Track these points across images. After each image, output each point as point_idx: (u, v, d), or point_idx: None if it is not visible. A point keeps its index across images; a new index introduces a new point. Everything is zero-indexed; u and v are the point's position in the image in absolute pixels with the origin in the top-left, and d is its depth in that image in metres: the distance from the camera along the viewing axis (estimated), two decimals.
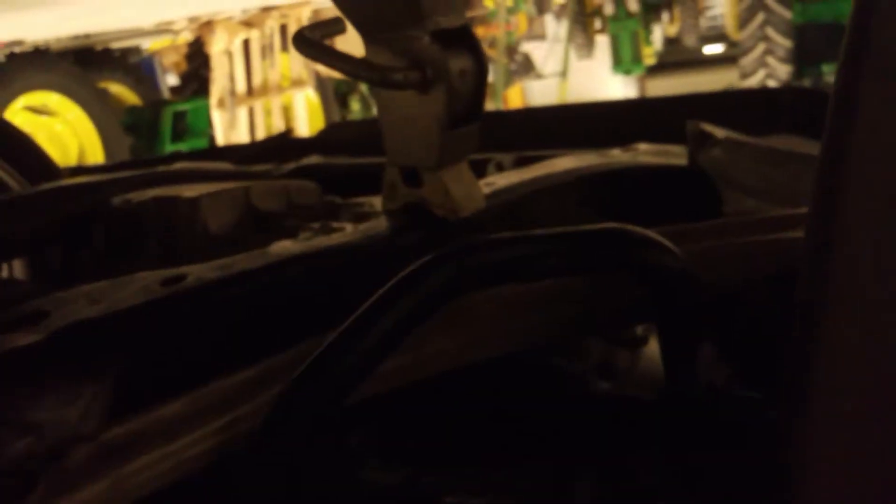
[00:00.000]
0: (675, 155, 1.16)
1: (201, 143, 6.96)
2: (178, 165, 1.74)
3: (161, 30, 7.17)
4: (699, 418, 0.65)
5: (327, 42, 0.81)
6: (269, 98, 7.03)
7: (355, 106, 8.21)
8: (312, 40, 0.79)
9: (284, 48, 7.19)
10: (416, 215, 0.83)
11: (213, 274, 0.73)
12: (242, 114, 6.79)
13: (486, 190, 0.90)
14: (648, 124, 1.44)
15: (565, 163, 1.02)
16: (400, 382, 0.65)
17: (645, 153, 1.14)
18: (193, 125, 6.99)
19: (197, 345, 0.69)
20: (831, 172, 0.45)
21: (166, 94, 8.33)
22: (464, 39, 0.76)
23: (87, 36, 6.64)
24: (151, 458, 0.56)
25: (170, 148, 6.78)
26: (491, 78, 11.13)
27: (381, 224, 0.83)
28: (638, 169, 1.05)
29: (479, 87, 0.77)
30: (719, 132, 1.15)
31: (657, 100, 1.59)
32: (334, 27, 0.83)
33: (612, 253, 0.57)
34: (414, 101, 0.77)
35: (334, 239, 0.79)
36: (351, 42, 0.85)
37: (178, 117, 6.94)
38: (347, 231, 0.83)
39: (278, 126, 7.02)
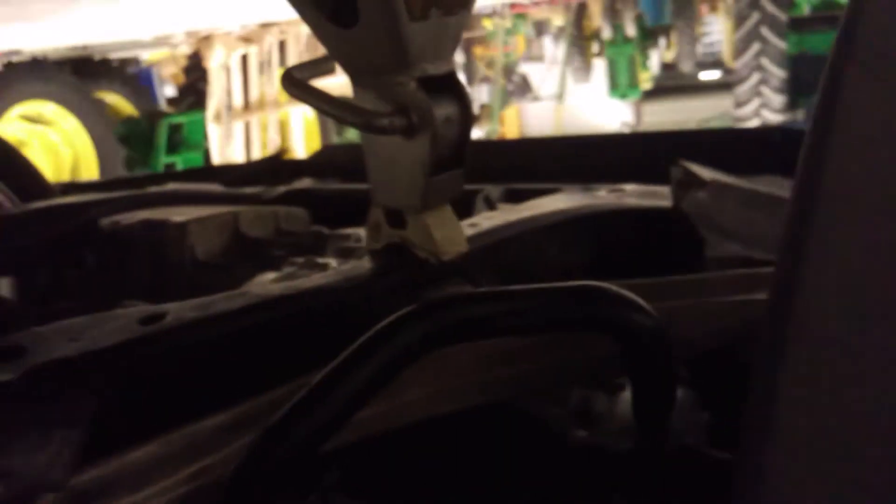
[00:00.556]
0: (661, 196, 1.16)
1: (196, 157, 6.96)
2: (169, 186, 1.75)
3: (159, 43, 7.19)
4: (669, 475, 0.65)
5: (316, 81, 0.82)
6: (265, 113, 7.05)
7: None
8: (300, 81, 0.79)
9: (282, 64, 7.22)
10: (399, 257, 0.83)
11: (192, 314, 0.73)
12: (238, 128, 6.81)
13: (471, 231, 0.90)
14: (640, 159, 1.45)
15: (550, 204, 1.03)
16: (372, 431, 0.65)
17: (631, 194, 1.14)
18: (189, 138, 7.00)
19: (172, 387, 0.69)
20: (799, 219, 0.45)
21: (163, 106, 8.34)
22: (450, 86, 0.77)
23: (84, 47, 6.66)
24: None
25: (165, 160, 6.77)
26: (488, 99, 11.18)
27: (363, 265, 0.83)
28: (622, 212, 1.05)
29: (464, 133, 0.77)
30: (706, 173, 1.16)
31: (650, 135, 1.61)
32: (323, 67, 0.83)
33: (585, 311, 0.58)
34: (399, 145, 0.77)
35: (315, 280, 0.79)
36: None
37: (174, 130, 6.95)
38: (329, 271, 0.83)
39: (274, 141, 7.04)
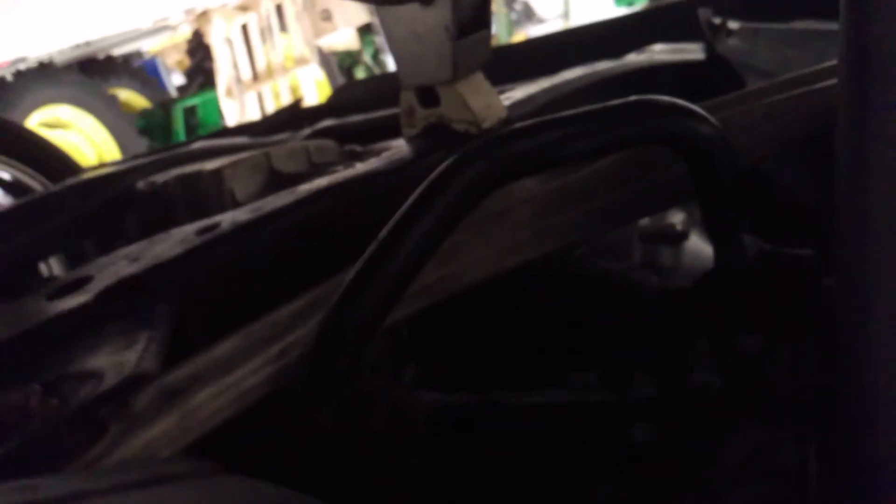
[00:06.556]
0: (691, 51, 1.13)
1: None
2: (198, 144, 1.75)
3: (159, 27, 7.16)
4: (755, 286, 0.63)
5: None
6: (275, 80, 7.00)
7: (361, 77, 8.16)
8: None
9: (283, 28, 7.14)
10: (438, 135, 0.82)
11: (247, 216, 0.73)
12: (251, 99, 6.78)
13: (505, 102, 0.88)
14: (660, 30, 1.41)
15: (582, 70, 1.00)
16: (443, 294, 0.64)
17: (660, 52, 1.11)
18: (205, 118, 7.00)
19: (241, 284, 0.69)
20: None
21: (174, 93, 8.33)
22: None
23: (87, 44, 6.65)
24: (212, 392, 0.56)
25: None
26: (494, 30, 11.01)
27: (403, 150, 0.82)
28: (657, 66, 1.02)
29: None
30: (733, 23, 1.12)
31: (668, 6, 1.54)
32: None
33: (642, 124, 0.56)
34: (419, 14, 0.75)
35: (358, 169, 0.78)
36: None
37: (189, 113, 6.95)
38: (371, 160, 0.82)
39: None
